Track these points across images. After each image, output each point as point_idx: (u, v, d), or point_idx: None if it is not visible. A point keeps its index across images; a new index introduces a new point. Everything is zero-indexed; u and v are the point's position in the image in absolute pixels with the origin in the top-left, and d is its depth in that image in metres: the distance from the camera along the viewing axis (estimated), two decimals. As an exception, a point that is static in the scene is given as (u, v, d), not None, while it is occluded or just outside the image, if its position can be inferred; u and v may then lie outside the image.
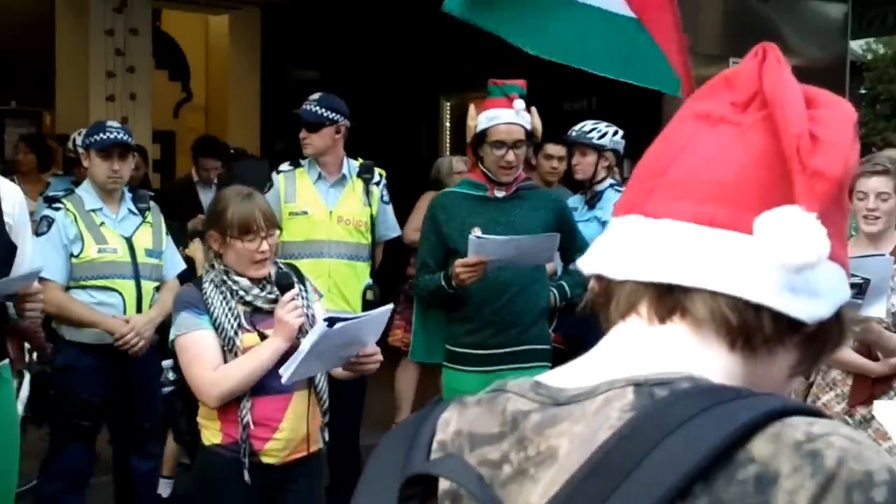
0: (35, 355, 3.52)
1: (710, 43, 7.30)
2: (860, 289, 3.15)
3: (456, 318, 3.51)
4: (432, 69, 8.47)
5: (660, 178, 0.81)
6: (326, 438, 2.91)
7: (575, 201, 4.46)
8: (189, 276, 3.72)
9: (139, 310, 3.73)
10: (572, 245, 3.55)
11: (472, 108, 3.57)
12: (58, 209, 3.69)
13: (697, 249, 0.77)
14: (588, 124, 4.53)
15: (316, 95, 4.29)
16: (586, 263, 0.84)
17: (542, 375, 0.81)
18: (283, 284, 2.76)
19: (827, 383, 3.45)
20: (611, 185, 4.47)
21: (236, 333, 2.68)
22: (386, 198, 4.36)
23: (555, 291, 3.61)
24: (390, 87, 8.69)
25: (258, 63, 10.14)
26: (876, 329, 3.21)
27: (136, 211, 3.85)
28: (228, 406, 2.69)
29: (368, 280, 4.27)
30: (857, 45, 8.49)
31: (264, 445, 2.70)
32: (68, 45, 9.24)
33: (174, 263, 3.93)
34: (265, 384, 2.68)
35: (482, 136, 3.47)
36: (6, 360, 3.08)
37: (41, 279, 3.22)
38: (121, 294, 3.71)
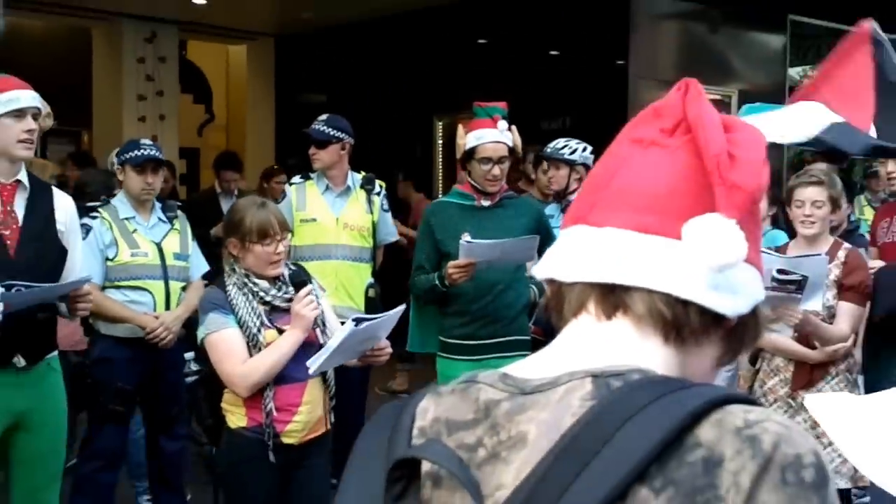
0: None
1: (667, 69, 7.32)
2: (799, 285, 3.12)
3: (448, 313, 3.50)
4: (426, 92, 8.48)
5: (601, 193, 0.81)
6: (332, 420, 2.89)
7: (551, 209, 4.44)
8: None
9: (167, 307, 3.69)
10: (548, 246, 3.52)
11: (460, 128, 3.57)
12: (94, 217, 3.65)
13: (635, 253, 0.77)
14: (561, 142, 4.50)
15: (324, 116, 4.30)
16: (540, 269, 0.84)
17: (507, 367, 0.81)
18: (298, 282, 2.74)
19: (772, 369, 3.44)
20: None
21: (259, 330, 2.66)
22: (386, 206, 4.36)
23: (534, 288, 3.59)
24: (389, 109, 8.71)
25: (273, 87, 10.15)
26: (813, 321, 3.19)
27: (165, 219, 3.81)
28: (253, 394, 2.67)
29: (370, 279, 4.27)
30: (795, 72, 8.50)
31: (285, 427, 2.68)
32: (104, 71, 9.21)
33: (199, 266, 3.90)
34: (284, 373, 2.66)
35: (471, 153, 3.47)
36: (55, 352, 3.05)
37: (80, 281, 3.18)
38: (151, 293, 3.67)
